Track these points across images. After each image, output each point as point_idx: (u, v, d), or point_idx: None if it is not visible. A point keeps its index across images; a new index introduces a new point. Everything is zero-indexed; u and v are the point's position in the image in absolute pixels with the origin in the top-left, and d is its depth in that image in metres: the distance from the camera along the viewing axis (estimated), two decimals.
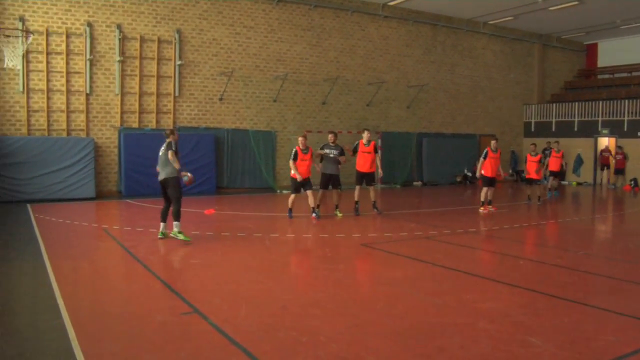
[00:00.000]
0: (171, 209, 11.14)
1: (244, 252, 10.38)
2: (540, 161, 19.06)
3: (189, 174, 11.23)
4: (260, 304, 7.11)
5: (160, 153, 11.26)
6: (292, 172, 14.39)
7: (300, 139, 14.68)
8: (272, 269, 9.33)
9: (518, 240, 12.50)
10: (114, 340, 5.83)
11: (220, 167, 20.93)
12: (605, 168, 27.74)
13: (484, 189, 16.62)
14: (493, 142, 16.86)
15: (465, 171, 27.40)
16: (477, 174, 16.98)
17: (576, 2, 24.64)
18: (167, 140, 11.23)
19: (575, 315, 6.84)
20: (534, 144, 19.72)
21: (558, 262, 10.09)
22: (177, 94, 20.46)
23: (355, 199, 15.40)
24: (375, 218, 15.07)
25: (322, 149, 15.15)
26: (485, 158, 16.58)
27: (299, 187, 14.53)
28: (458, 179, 27.37)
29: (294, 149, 14.54)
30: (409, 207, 17.46)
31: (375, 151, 15.39)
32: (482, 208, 16.53)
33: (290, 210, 14.63)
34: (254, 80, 22.06)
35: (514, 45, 31.05)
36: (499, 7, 25.98)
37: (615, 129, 27.63)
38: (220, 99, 21.40)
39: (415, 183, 26.24)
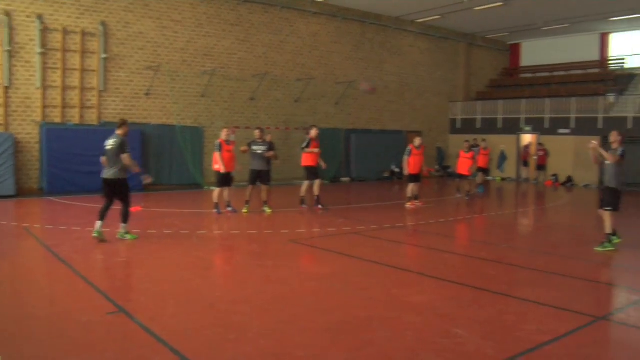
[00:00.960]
0: (109, 210, 10.82)
1: (171, 249, 10.27)
2: (472, 157, 19.66)
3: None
4: (187, 301, 7.07)
5: (109, 147, 10.73)
6: (218, 165, 14.40)
7: (224, 130, 14.79)
8: (200, 266, 9.28)
9: (444, 235, 12.81)
10: (36, 342, 5.68)
11: (147, 164, 20.49)
12: (527, 164, 28.79)
13: (410, 185, 16.92)
14: (417, 139, 17.18)
15: (393, 167, 27.83)
16: (405, 172, 17.15)
17: (500, 3, 25.37)
18: (117, 132, 10.80)
19: (498, 306, 7.11)
20: (467, 141, 20.33)
21: (483, 255, 10.44)
22: (102, 89, 19.92)
23: (302, 194, 15.82)
24: (304, 214, 15.21)
25: (249, 145, 15.18)
26: (408, 155, 16.87)
27: (223, 181, 14.53)
28: (385, 175, 27.76)
29: (217, 141, 14.57)
30: (337, 203, 17.58)
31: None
32: (409, 203, 16.84)
33: (217, 205, 14.59)
34: (182, 75, 21.75)
35: (440, 44, 31.74)
36: (426, 6, 26.48)
37: (537, 126, 28.71)
38: (147, 94, 20.99)
39: (343, 179, 26.46)
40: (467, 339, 5.86)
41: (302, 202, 15.94)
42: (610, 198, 10.79)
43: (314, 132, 15.75)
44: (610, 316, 6.97)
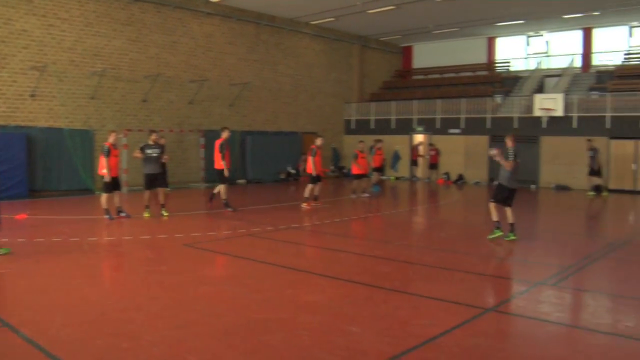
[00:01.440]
0: None
1: (59, 258, 9.90)
2: (365, 157, 20.12)
3: None
4: (77, 312, 6.86)
5: None
6: (104, 170, 13.99)
7: (112, 133, 14.46)
8: (90, 274, 9.02)
9: (340, 234, 13.04)
10: None
11: (33, 169, 19.56)
12: (416, 163, 29.73)
13: (310, 186, 17.08)
14: (319, 139, 17.40)
15: (289, 168, 27.99)
16: (313, 172, 17.22)
17: (393, 7, 26.09)
18: None
19: (392, 302, 7.37)
20: (362, 142, 20.74)
21: (377, 253, 10.74)
22: None
23: (215, 191, 16.13)
24: (197, 218, 15.13)
25: (142, 149, 14.86)
26: (314, 155, 17.05)
27: (112, 186, 14.17)
28: (282, 176, 27.87)
29: (105, 145, 14.15)
30: (232, 206, 17.51)
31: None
32: (305, 204, 16.99)
33: (108, 211, 14.20)
34: (69, 76, 20.89)
35: (334, 46, 32.23)
36: (320, 8, 26.82)
37: (429, 127, 29.74)
38: (32, 96, 20.01)
39: (239, 181, 26.30)
40: (363, 336, 6.03)
41: (227, 204, 16.01)
42: (496, 191, 11.91)
43: (226, 134, 15.84)
44: (498, 307, 7.35)
